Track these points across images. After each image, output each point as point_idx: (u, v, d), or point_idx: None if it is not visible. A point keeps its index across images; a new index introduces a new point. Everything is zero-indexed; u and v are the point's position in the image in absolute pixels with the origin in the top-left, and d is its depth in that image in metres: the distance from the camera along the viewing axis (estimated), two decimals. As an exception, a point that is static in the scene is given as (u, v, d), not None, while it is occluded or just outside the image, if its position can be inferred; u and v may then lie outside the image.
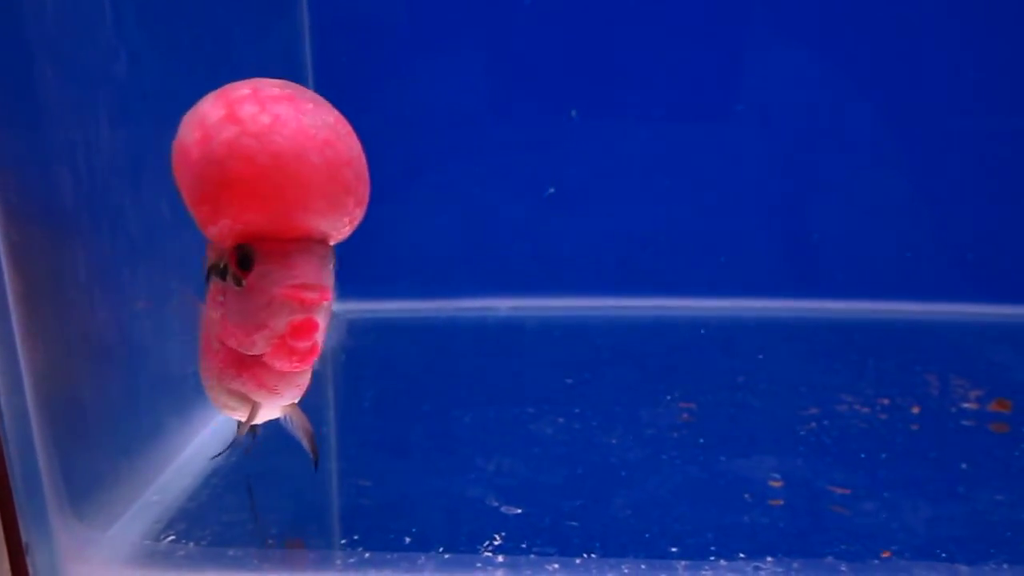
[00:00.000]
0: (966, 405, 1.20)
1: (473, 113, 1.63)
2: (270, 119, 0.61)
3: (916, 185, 1.63)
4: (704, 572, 0.83)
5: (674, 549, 0.87)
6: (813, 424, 1.15)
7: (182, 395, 1.10)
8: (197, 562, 0.86)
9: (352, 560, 0.86)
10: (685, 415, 1.18)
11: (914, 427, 1.15)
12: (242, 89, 0.63)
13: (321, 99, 0.65)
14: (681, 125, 1.64)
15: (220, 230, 0.64)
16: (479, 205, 1.66)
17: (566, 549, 0.87)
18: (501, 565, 0.85)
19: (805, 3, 1.56)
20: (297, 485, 0.98)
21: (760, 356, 1.42)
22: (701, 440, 1.11)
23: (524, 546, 0.88)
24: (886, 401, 1.21)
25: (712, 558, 0.86)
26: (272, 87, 0.64)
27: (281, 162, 0.60)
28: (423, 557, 0.86)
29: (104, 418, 0.93)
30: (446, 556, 0.86)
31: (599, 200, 1.66)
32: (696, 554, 0.86)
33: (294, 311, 0.63)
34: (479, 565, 0.85)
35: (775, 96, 1.59)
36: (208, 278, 0.70)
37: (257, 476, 1.00)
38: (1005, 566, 0.84)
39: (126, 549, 0.87)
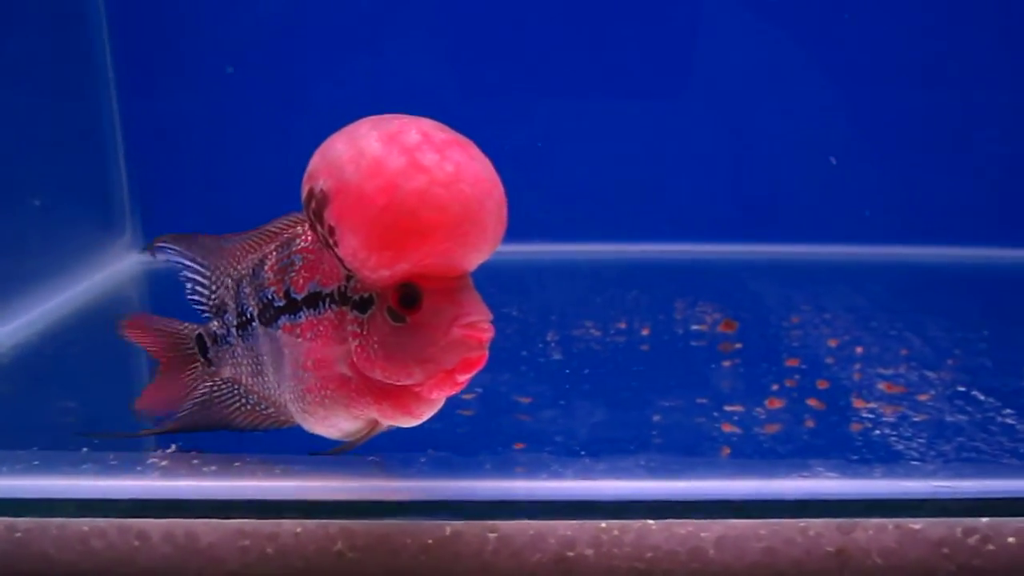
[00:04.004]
0: (696, 327, 1.24)
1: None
2: (453, 167, 0.62)
3: (714, 134, 1.68)
4: (353, 468, 0.86)
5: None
6: (540, 346, 1.18)
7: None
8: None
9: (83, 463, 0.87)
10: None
11: (644, 347, 1.19)
12: (410, 133, 0.64)
13: (464, 137, 0.66)
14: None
15: (393, 273, 0.64)
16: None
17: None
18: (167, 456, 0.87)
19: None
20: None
21: (537, 294, 1.46)
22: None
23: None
24: (622, 325, 1.25)
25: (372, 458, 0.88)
26: (434, 129, 0.65)
27: (469, 210, 0.62)
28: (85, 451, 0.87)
29: None
30: (113, 461, 0.88)
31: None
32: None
33: (471, 348, 0.64)
34: (139, 469, 0.87)
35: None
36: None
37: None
38: (643, 461, 0.87)
39: None
